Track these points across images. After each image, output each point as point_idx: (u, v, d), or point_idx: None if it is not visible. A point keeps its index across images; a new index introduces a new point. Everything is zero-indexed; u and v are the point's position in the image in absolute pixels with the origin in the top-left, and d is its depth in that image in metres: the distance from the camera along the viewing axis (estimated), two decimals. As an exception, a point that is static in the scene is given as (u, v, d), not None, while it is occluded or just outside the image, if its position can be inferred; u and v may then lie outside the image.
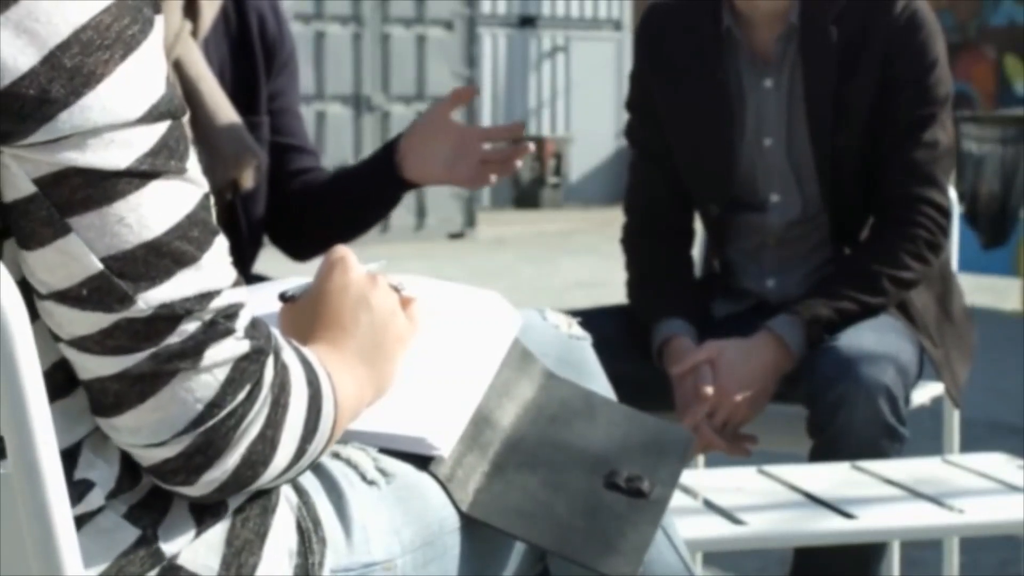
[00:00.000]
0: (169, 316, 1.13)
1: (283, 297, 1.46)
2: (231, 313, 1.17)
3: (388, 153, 2.35)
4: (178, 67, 2.16)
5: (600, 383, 1.76)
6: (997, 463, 2.32)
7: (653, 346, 2.62)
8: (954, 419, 2.78)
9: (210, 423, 1.16)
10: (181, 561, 1.22)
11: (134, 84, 1.11)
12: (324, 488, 1.35)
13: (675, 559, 1.75)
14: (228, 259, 1.19)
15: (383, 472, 1.40)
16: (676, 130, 2.73)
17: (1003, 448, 2.90)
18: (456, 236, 13.86)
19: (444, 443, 1.45)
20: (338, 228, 2.38)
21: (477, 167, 2.31)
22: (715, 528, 1.99)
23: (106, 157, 1.10)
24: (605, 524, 1.48)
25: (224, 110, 2.21)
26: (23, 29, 1.07)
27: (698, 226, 2.82)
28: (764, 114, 2.68)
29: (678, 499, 2.01)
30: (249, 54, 2.33)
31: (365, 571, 1.34)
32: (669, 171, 2.76)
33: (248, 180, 2.25)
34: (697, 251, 2.91)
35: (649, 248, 2.78)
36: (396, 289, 1.47)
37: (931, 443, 2.87)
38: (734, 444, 2.54)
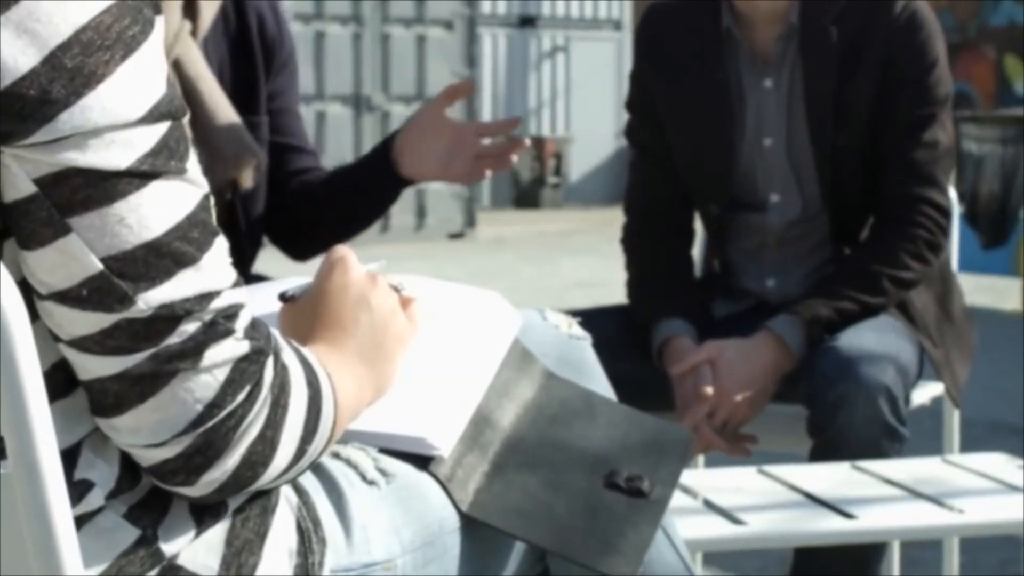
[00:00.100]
0: (169, 317, 1.13)
1: (283, 297, 1.46)
2: (231, 314, 1.17)
3: (384, 150, 2.35)
4: (177, 67, 2.16)
5: (600, 383, 1.76)
6: (997, 463, 2.32)
7: (653, 346, 2.62)
8: (954, 419, 2.78)
9: (210, 424, 1.16)
10: (181, 561, 1.22)
11: (135, 84, 1.11)
12: (324, 488, 1.35)
13: (675, 559, 1.75)
14: (228, 260, 1.19)
15: (383, 472, 1.40)
16: (676, 130, 2.73)
17: (1003, 448, 2.90)
18: (456, 236, 13.86)
19: (444, 443, 1.45)
20: (336, 227, 2.38)
21: (473, 163, 2.31)
22: (715, 528, 1.99)
23: (107, 157, 1.10)
24: (605, 524, 1.48)
25: (223, 110, 2.21)
26: (24, 29, 1.07)
27: (698, 226, 2.83)
28: (764, 114, 2.68)
29: (678, 499, 2.01)
30: (248, 54, 2.33)
31: (365, 571, 1.34)
32: (669, 171, 2.76)
33: (247, 180, 2.25)
34: (697, 251, 2.91)
35: (649, 248, 2.78)
36: (396, 289, 1.47)
37: (931, 443, 2.87)
38: (734, 444, 2.54)
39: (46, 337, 1.14)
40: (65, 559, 1.11)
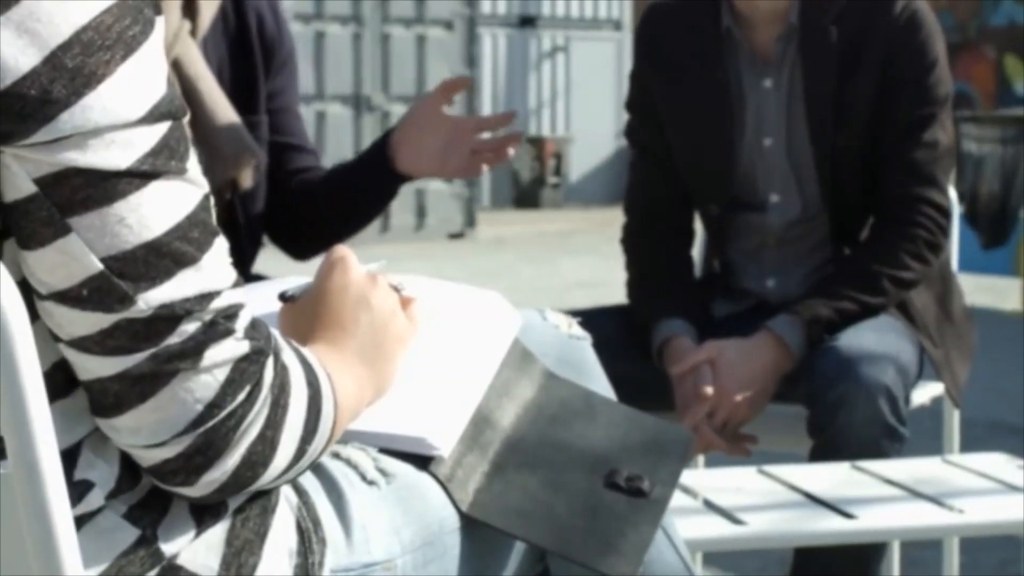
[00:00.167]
0: (169, 316, 1.13)
1: (283, 297, 1.46)
2: (231, 314, 1.17)
3: (382, 146, 2.35)
4: (177, 66, 2.16)
5: (600, 383, 1.75)
6: (997, 463, 2.32)
7: (653, 346, 2.62)
8: (954, 419, 2.78)
9: (210, 424, 1.16)
10: (181, 561, 1.22)
11: (135, 85, 1.11)
12: (324, 488, 1.35)
13: (675, 559, 1.75)
14: (228, 260, 1.19)
15: (383, 472, 1.40)
16: (676, 130, 2.73)
17: (1003, 448, 2.90)
18: (456, 236, 13.86)
19: (444, 443, 1.45)
20: (336, 224, 2.38)
21: (470, 157, 2.31)
22: (715, 528, 1.99)
23: (107, 157, 1.10)
24: (605, 524, 1.48)
25: (223, 109, 2.21)
26: (24, 29, 1.07)
27: (698, 226, 2.82)
28: (764, 114, 2.68)
29: (678, 499, 2.01)
30: (248, 53, 2.33)
31: (365, 571, 1.34)
32: (669, 171, 2.76)
33: (247, 179, 2.25)
34: (697, 251, 2.91)
35: (649, 248, 2.78)
36: (396, 289, 1.47)
37: (931, 443, 2.87)
38: (734, 444, 2.54)
39: (46, 337, 1.14)
40: (65, 559, 1.11)
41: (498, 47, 18.15)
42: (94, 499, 1.18)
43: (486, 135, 2.34)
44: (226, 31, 2.32)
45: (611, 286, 5.32)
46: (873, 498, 2.11)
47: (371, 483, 1.38)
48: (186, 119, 1.17)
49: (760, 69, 2.68)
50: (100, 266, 1.11)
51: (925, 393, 2.71)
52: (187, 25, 2.20)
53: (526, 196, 17.14)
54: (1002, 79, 11.01)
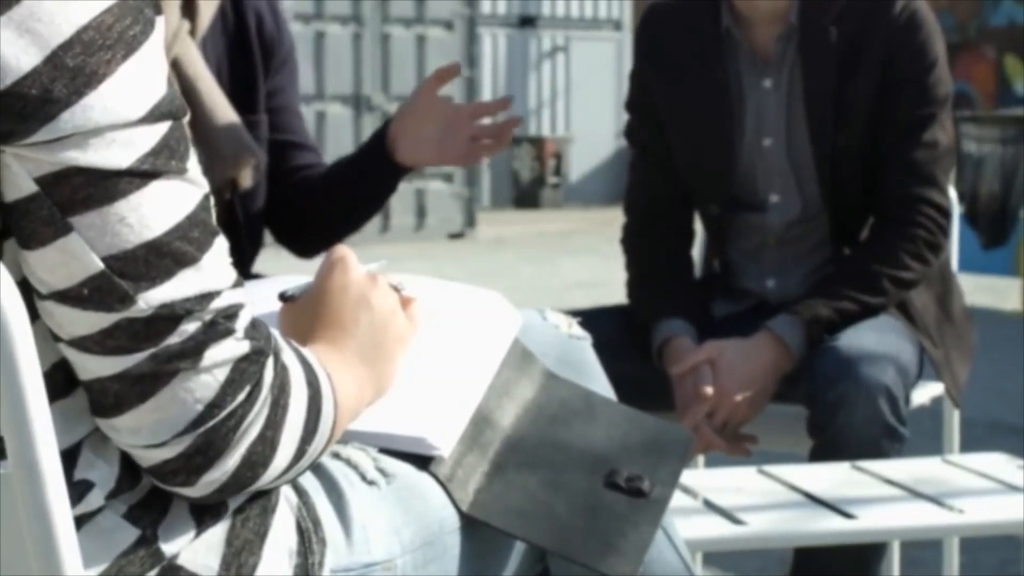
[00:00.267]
0: (169, 316, 1.13)
1: (283, 297, 1.46)
2: (231, 314, 1.17)
3: (380, 139, 2.35)
4: (176, 66, 2.16)
5: (600, 383, 1.75)
6: (997, 463, 2.32)
7: (653, 346, 2.62)
8: (954, 419, 2.78)
9: (210, 424, 1.16)
10: (181, 561, 1.22)
11: (136, 84, 1.11)
12: (324, 488, 1.35)
13: (675, 559, 1.75)
14: (228, 260, 1.19)
15: (383, 472, 1.40)
16: (676, 130, 2.73)
17: (1003, 448, 2.90)
18: (456, 236, 13.87)
19: (444, 443, 1.45)
20: (338, 220, 2.38)
21: (468, 145, 2.31)
22: (715, 528, 1.99)
23: (107, 157, 1.10)
24: (605, 524, 1.48)
25: (222, 109, 2.21)
26: (25, 29, 1.07)
27: (698, 226, 2.82)
28: (764, 114, 2.68)
29: (678, 499, 2.01)
30: (247, 53, 2.33)
31: (365, 571, 1.34)
32: (669, 171, 2.76)
33: (247, 179, 2.25)
34: (697, 251, 2.91)
35: (649, 248, 2.78)
36: (396, 289, 1.47)
37: (931, 443, 2.87)
38: (734, 444, 2.54)
39: (46, 337, 1.14)
40: (65, 559, 1.11)
41: (498, 47, 18.15)
42: (94, 499, 1.18)
43: (485, 121, 2.34)
44: (225, 31, 2.32)
45: (611, 286, 5.32)
46: (873, 498, 2.11)
47: (371, 483, 1.38)
48: (186, 119, 1.17)
49: (760, 69, 2.68)
50: (101, 265, 1.11)
51: (925, 393, 2.71)
52: (186, 25, 2.20)
53: (526, 196, 17.15)
54: (1002, 79, 11.01)
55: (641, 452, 1.59)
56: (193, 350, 1.14)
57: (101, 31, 1.10)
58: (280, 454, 1.22)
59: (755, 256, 2.76)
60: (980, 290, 7.77)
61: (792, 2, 2.63)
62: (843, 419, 2.38)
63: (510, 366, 1.60)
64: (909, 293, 2.62)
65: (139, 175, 1.11)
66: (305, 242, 2.44)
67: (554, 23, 18.78)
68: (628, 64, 6.16)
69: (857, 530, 2.03)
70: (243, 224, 2.30)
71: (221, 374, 1.15)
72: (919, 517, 2.05)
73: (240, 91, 2.30)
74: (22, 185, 1.10)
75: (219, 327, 1.15)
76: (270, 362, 1.20)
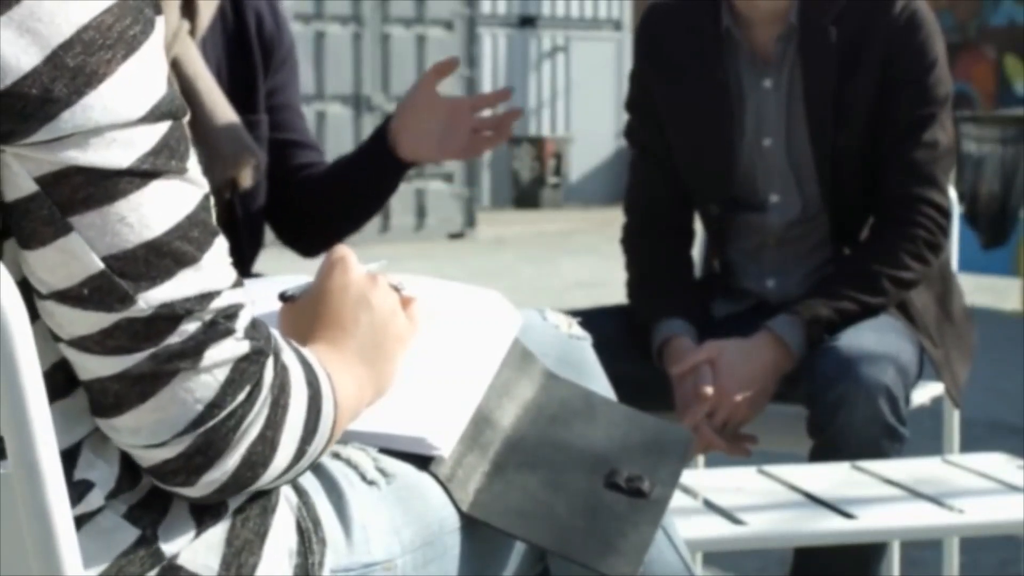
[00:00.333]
0: (169, 316, 1.13)
1: (283, 297, 1.46)
2: (231, 314, 1.17)
3: (382, 136, 2.35)
4: (175, 66, 2.17)
5: (600, 383, 1.75)
6: (997, 463, 2.32)
7: (653, 346, 2.62)
8: (954, 419, 2.78)
9: (210, 424, 1.16)
10: (181, 561, 1.22)
11: (136, 84, 1.11)
12: (324, 488, 1.35)
13: (675, 559, 1.75)
14: (228, 260, 1.19)
15: (383, 472, 1.40)
16: (676, 130, 2.73)
17: (1003, 448, 2.90)
18: (456, 236, 13.87)
19: (444, 443, 1.45)
20: (340, 219, 2.38)
21: (470, 138, 2.31)
22: (715, 528, 1.99)
23: (108, 156, 1.10)
24: (605, 524, 1.48)
25: (222, 109, 2.21)
26: (26, 29, 1.07)
27: (698, 226, 2.82)
28: (764, 114, 2.68)
29: (678, 499, 2.01)
30: (247, 52, 2.33)
31: (365, 571, 1.34)
32: (669, 171, 2.76)
33: (247, 179, 2.25)
34: (697, 251, 2.91)
35: (649, 248, 2.78)
36: (396, 289, 1.47)
37: (931, 443, 2.87)
38: (734, 444, 2.54)
39: (46, 337, 1.14)
40: (65, 559, 1.11)
41: (498, 47, 18.15)
42: (94, 499, 1.18)
43: (486, 113, 2.34)
44: (225, 30, 2.32)
45: (611, 286, 5.32)
46: (873, 498, 2.11)
47: (371, 483, 1.38)
48: (186, 119, 1.17)
49: (760, 69, 2.68)
50: (101, 265, 1.11)
51: (925, 393, 2.71)
52: (186, 25, 2.20)
53: (526, 196, 17.15)
54: (1002, 79, 11.01)
55: (641, 452, 1.59)
56: (193, 350, 1.14)
57: (101, 31, 1.10)
58: (280, 454, 1.22)
59: (755, 256, 2.76)
60: (980, 290, 7.78)
61: (792, 2, 2.63)
62: (843, 419, 2.38)
63: (510, 366, 1.60)
64: (909, 293, 2.62)
65: (139, 175, 1.11)
66: (307, 241, 2.44)
67: (554, 23, 18.78)
68: (628, 64, 6.16)
69: (857, 530, 2.03)
70: (243, 224, 2.30)
71: (221, 374, 1.15)
72: (919, 517, 2.05)
73: (240, 91, 2.30)
74: (22, 185, 1.10)
75: (219, 327, 1.15)
76: (270, 362, 1.20)
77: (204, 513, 1.23)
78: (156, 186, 1.12)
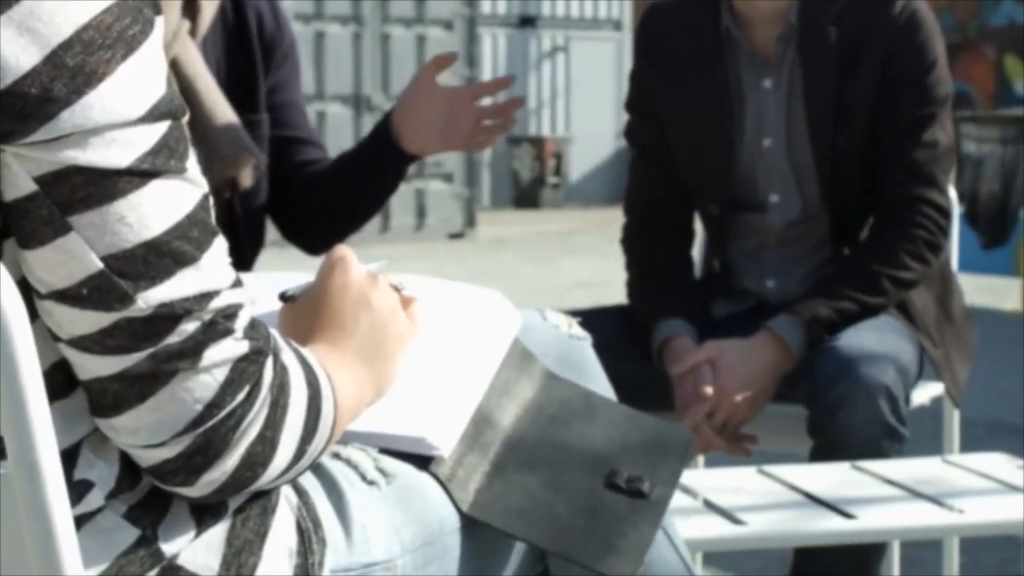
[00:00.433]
0: (168, 316, 1.13)
1: (283, 297, 1.46)
2: (230, 313, 1.17)
3: (384, 129, 2.35)
4: (174, 66, 2.16)
5: (600, 383, 1.75)
6: (997, 463, 2.32)
7: (653, 346, 2.62)
8: (954, 419, 2.78)
9: (209, 424, 1.16)
10: (181, 561, 1.22)
11: (135, 84, 1.11)
12: (324, 488, 1.35)
13: (675, 559, 1.75)
14: (227, 260, 1.19)
15: (383, 472, 1.40)
16: (676, 130, 2.73)
17: (1003, 448, 2.90)
18: (456, 236, 13.87)
19: (444, 443, 1.45)
20: (344, 215, 2.38)
21: (472, 129, 2.31)
22: (715, 528, 1.99)
23: (107, 156, 1.10)
24: (605, 524, 1.48)
25: (221, 109, 2.21)
26: (25, 28, 1.07)
27: (698, 226, 2.82)
28: (764, 114, 2.68)
29: (678, 499, 2.01)
30: (247, 51, 2.33)
31: (365, 571, 1.34)
32: (669, 171, 2.76)
33: (246, 178, 2.25)
34: (697, 251, 2.91)
35: (649, 248, 2.78)
36: (396, 289, 1.47)
37: (931, 443, 2.87)
38: (734, 444, 2.54)
39: (46, 337, 1.14)
40: (65, 559, 1.11)
41: (498, 47, 18.16)
42: (94, 499, 1.18)
43: (487, 102, 2.34)
44: (225, 29, 2.32)
45: (611, 286, 5.32)
46: (873, 498, 2.11)
47: (371, 483, 1.38)
48: (185, 118, 1.17)
49: (760, 69, 2.68)
50: (100, 265, 1.11)
51: (925, 393, 2.71)
52: (186, 24, 2.20)
53: (526, 196, 17.15)
54: (1002, 79, 11.01)
55: (641, 452, 1.59)
56: (192, 350, 1.14)
57: (101, 30, 1.10)
58: (280, 454, 1.22)
59: (755, 256, 2.76)
60: (980, 290, 7.78)
61: (792, 2, 2.63)
62: (843, 419, 2.38)
63: (510, 366, 1.60)
64: (909, 293, 2.62)
65: (138, 174, 1.11)
66: (311, 237, 2.44)
67: (554, 23, 18.79)
68: (628, 64, 6.16)
69: (857, 530, 2.03)
70: (243, 223, 2.30)
71: (220, 374, 1.15)
72: (919, 517, 2.05)
73: (240, 90, 2.30)
74: (21, 184, 1.10)
75: (218, 327, 1.15)
76: (269, 362, 1.20)
77: (204, 513, 1.23)
78: (155, 186, 1.12)
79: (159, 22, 1.15)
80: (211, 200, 1.18)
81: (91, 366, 1.14)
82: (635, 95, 2.81)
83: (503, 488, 1.48)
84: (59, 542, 1.10)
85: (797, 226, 2.71)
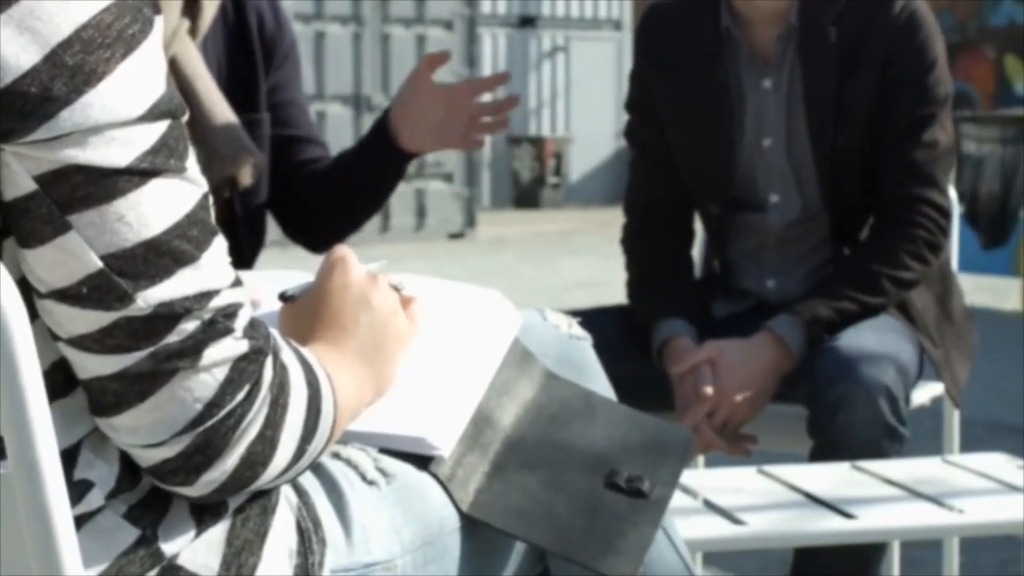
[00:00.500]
0: (168, 315, 1.13)
1: (283, 297, 1.46)
2: (230, 313, 1.16)
3: (383, 128, 2.35)
4: (174, 65, 2.17)
5: (600, 383, 1.75)
6: (997, 463, 2.32)
7: (653, 346, 2.62)
8: (954, 419, 2.78)
9: (209, 423, 1.16)
10: (181, 561, 1.22)
11: (135, 83, 1.11)
12: (324, 488, 1.35)
13: (675, 559, 1.75)
14: (227, 259, 1.19)
15: (383, 472, 1.40)
16: (676, 130, 2.73)
17: (1003, 448, 2.90)
18: (456, 236, 13.87)
19: (444, 443, 1.45)
20: (346, 213, 2.39)
21: (469, 125, 2.31)
22: (715, 528, 1.99)
23: (107, 155, 1.10)
24: (605, 524, 1.48)
25: (220, 108, 2.21)
26: (25, 27, 1.08)
27: (698, 226, 2.82)
28: (764, 114, 2.68)
29: (678, 499, 2.01)
30: (248, 51, 2.33)
31: (365, 571, 1.34)
32: (669, 171, 2.76)
33: (246, 178, 2.25)
34: (697, 251, 2.91)
35: (649, 248, 2.78)
36: (396, 289, 1.47)
37: (931, 443, 2.87)
38: (734, 444, 2.54)
39: (46, 336, 1.14)
40: (65, 559, 1.11)
41: (498, 47, 18.15)
42: (94, 499, 1.18)
43: (485, 98, 2.34)
44: (225, 28, 2.32)
45: (611, 286, 5.32)
46: (873, 498, 2.11)
47: (371, 483, 1.38)
48: (185, 118, 1.17)
49: (760, 69, 2.68)
50: (100, 264, 1.11)
51: (925, 393, 2.71)
52: (186, 24, 2.20)
53: (526, 196, 17.15)
54: (1002, 79, 11.01)
55: (641, 452, 1.59)
56: (192, 349, 1.14)
57: (100, 29, 1.10)
58: (280, 453, 1.22)
59: (755, 256, 2.76)
60: (980, 290, 7.78)
61: (792, 2, 2.63)
62: (843, 419, 2.38)
63: (510, 366, 1.60)
64: (909, 293, 2.62)
65: (138, 173, 1.11)
66: (313, 236, 2.45)
67: (554, 23, 18.78)
68: (628, 64, 6.16)
69: (857, 530, 2.03)
70: (243, 223, 2.30)
71: (220, 373, 1.15)
72: (919, 517, 2.05)
73: (240, 89, 2.30)
74: (21, 183, 1.10)
75: (218, 326, 1.15)
76: (269, 361, 1.20)
77: (204, 513, 1.23)
78: (155, 185, 1.12)
79: (158, 21, 1.15)
80: (211, 199, 1.18)
81: (91, 365, 1.14)
82: (635, 95, 2.81)
83: (503, 488, 1.48)
84: (59, 542, 1.10)
85: (797, 226, 2.71)
